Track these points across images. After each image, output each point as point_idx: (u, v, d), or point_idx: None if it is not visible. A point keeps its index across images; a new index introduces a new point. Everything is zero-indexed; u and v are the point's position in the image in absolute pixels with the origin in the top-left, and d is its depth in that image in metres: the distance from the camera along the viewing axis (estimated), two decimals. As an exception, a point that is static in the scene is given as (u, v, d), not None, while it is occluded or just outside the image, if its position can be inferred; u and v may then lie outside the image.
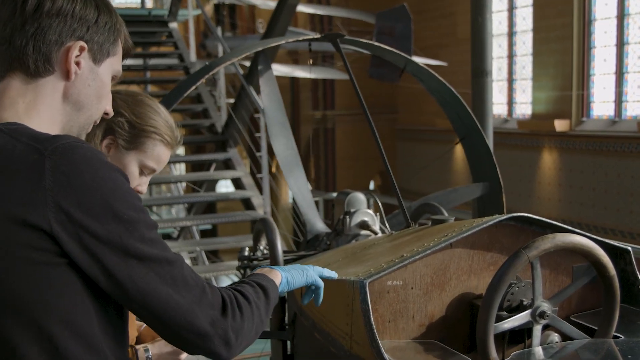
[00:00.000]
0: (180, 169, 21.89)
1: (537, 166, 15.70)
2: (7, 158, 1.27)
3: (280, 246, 2.89)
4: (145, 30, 11.23)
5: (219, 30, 10.70)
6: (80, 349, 1.29)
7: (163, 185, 13.70)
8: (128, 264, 1.29)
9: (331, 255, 2.80)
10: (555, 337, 2.26)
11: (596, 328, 2.21)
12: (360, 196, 3.18)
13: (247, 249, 3.06)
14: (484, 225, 2.20)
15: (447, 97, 3.62)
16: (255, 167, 9.18)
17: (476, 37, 4.61)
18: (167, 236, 11.47)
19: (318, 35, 3.27)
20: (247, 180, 8.61)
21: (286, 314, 2.91)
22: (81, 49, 1.42)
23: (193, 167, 18.22)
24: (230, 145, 8.96)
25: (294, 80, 22.96)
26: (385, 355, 1.96)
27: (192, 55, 10.56)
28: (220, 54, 10.47)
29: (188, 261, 10.29)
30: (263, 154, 8.36)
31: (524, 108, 16.53)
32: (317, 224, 3.47)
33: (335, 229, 3.16)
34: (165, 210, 13.07)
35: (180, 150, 22.31)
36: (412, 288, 2.21)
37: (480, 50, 4.62)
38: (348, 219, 3.09)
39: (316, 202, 8.73)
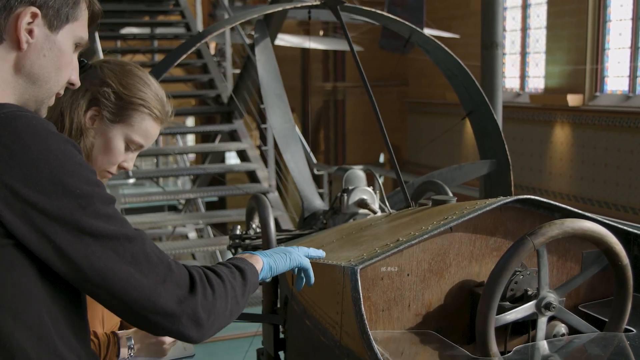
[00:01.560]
0: (191, 141, 21.82)
1: (549, 141, 15.47)
2: None
3: (273, 225, 2.74)
4: (152, -2, 11.00)
5: (226, 0, 10.44)
6: (24, 338, 1.17)
7: (171, 157, 13.58)
8: (83, 242, 1.16)
9: (325, 235, 2.65)
10: (562, 328, 2.10)
11: (606, 320, 2.05)
12: (359, 173, 3.02)
13: (238, 227, 2.91)
14: (487, 208, 2.03)
15: (454, 70, 3.43)
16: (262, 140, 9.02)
17: (487, 8, 4.41)
18: (174, 207, 11.37)
19: (317, 2, 3.09)
20: (253, 153, 8.44)
21: (278, 297, 2.77)
22: (33, 16, 1.26)
23: (203, 138, 18.12)
24: (235, 116, 8.79)
25: (305, 52, 22.71)
26: (376, 349, 1.80)
27: (199, 25, 10.35)
28: (228, 32, 10.26)
29: (193, 234, 10.18)
30: (268, 125, 8.18)
31: (537, 82, 16.26)
32: (315, 201, 3.31)
33: (333, 207, 3.00)
34: (171, 182, 12.96)
35: (190, 121, 22.23)
36: (408, 275, 2.05)
37: (490, 21, 4.42)
38: (346, 197, 2.93)
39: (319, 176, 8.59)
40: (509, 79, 16.99)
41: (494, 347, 1.85)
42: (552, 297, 1.93)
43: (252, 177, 8.26)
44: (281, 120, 3.24)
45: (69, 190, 1.16)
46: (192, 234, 10.19)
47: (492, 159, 3.58)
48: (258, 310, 2.94)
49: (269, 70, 3.20)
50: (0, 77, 1.27)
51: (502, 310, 1.95)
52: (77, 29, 1.36)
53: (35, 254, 1.16)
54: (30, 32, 1.27)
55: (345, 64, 21.60)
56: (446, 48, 3.28)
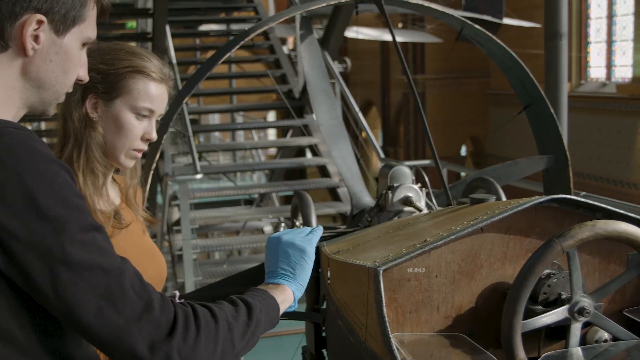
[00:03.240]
0: (272, 135, 22.01)
1: (637, 132, 14.91)
2: None
3: (315, 222, 2.72)
4: (227, -5, 11.13)
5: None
6: (8, 353, 1.15)
7: (247, 151, 13.73)
8: (52, 270, 1.12)
9: (365, 234, 2.60)
10: (605, 334, 2.00)
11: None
12: (405, 170, 2.95)
13: (283, 224, 2.90)
14: (518, 209, 1.95)
15: (508, 63, 3.33)
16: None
17: (550, -3, 4.26)
18: (250, 202, 11.48)
19: (363, -3, 3.04)
20: (324, 147, 8.43)
21: (320, 294, 2.75)
22: (39, 22, 1.26)
23: (283, 133, 18.26)
24: (307, 111, 8.80)
25: (384, 44, 22.53)
26: (396, 353, 1.76)
27: (271, 20, 10.40)
28: (298, 19, 10.28)
29: (268, 228, 10.25)
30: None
31: (624, 71, 15.67)
32: (364, 197, 3.27)
33: (378, 204, 2.95)
34: (248, 177, 13.12)
35: (272, 116, 22.42)
36: (436, 276, 1.99)
37: (554, 10, 4.25)
38: (390, 194, 2.87)
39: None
40: (594, 68, 16.46)
41: (520, 353, 1.78)
42: (586, 302, 1.84)
43: (324, 171, 8.26)
44: (328, 117, 3.21)
45: (42, 213, 1.12)
46: (268, 228, 10.27)
47: (550, 154, 3.45)
48: (303, 307, 2.92)
49: (315, 67, 3.17)
50: (7, 83, 1.27)
51: (533, 314, 1.87)
52: (85, 30, 1.36)
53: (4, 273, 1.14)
54: (35, 38, 1.27)
55: (425, 56, 21.34)
56: (499, 41, 3.18)
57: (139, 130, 1.85)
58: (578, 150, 15.26)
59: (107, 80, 1.80)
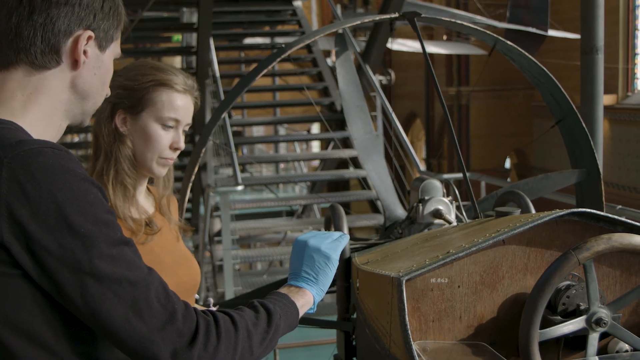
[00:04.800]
0: (316, 147, 22.11)
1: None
2: None
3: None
4: (270, 9, 11.31)
5: (338, 10, 10.60)
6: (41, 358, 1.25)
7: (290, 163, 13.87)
8: (82, 282, 1.21)
9: (394, 245, 2.68)
10: (626, 345, 2.05)
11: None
12: (435, 183, 3.03)
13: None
14: (539, 222, 2.01)
15: (540, 78, 3.38)
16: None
17: (586, 11, 4.27)
18: (291, 213, 11.60)
19: (396, 15, 3.13)
20: (364, 160, 8.51)
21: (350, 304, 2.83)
22: (89, 38, 1.38)
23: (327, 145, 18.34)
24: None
25: (429, 56, 22.53)
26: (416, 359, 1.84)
27: (315, 34, 10.54)
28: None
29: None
30: (379, 133, 8.25)
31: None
32: (397, 210, 3.35)
33: (409, 217, 3.03)
34: (290, 188, 13.26)
35: (316, 128, 22.53)
36: (458, 286, 2.06)
37: (590, 24, 4.27)
38: (421, 207, 2.95)
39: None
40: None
41: (537, 362, 1.84)
42: (603, 312, 1.90)
43: (364, 183, 8.34)
44: (362, 131, 3.30)
45: (73, 229, 1.20)
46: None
47: (582, 168, 3.49)
48: (334, 317, 3.01)
49: (350, 82, 3.26)
50: (57, 96, 1.38)
51: (551, 324, 1.93)
52: (116, 47, 1.48)
53: (39, 285, 1.22)
54: (85, 52, 1.38)
55: (469, 68, 21.28)
56: (529, 56, 3.24)
57: (167, 139, 1.96)
58: (624, 163, 15.09)
59: (133, 95, 1.92)
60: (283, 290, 1.59)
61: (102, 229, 1.23)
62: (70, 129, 1.55)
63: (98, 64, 1.42)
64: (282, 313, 1.48)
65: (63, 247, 1.20)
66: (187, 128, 2.01)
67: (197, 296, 2.32)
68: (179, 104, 1.96)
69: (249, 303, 1.48)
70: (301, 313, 1.57)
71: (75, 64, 1.38)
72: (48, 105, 1.38)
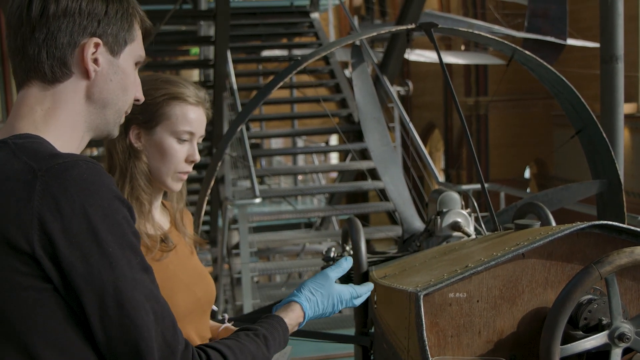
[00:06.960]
0: (335, 159, 22.08)
1: None
2: (5, 176, 1.23)
3: (364, 248, 2.77)
4: (287, 21, 11.34)
5: (355, 21, 10.61)
6: None
7: (309, 175, 13.85)
8: (101, 302, 1.21)
9: (412, 259, 2.65)
10: (651, 360, 2.00)
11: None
12: (454, 195, 2.99)
13: (333, 249, 2.96)
14: (559, 235, 1.97)
15: (559, 87, 3.34)
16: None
17: (605, 20, 4.23)
18: (309, 225, 11.59)
19: (412, 26, 3.11)
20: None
21: (368, 318, 2.80)
22: (96, 45, 1.37)
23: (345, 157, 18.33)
24: (366, 135, 8.86)
25: (447, 66, 22.49)
26: (435, 376, 1.80)
27: (332, 46, 10.54)
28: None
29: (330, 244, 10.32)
30: (397, 144, 8.23)
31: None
32: (415, 222, 3.31)
33: (428, 229, 2.99)
34: (309, 200, 13.26)
35: (334, 140, 22.53)
36: (477, 301, 2.03)
37: (609, 33, 4.23)
38: (439, 220, 2.91)
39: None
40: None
41: (559, 378, 1.80)
42: (626, 327, 1.85)
43: (383, 195, 8.31)
44: (379, 144, 3.27)
45: (102, 247, 1.21)
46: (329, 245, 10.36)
47: (603, 178, 3.44)
48: (351, 331, 2.98)
49: (366, 94, 3.24)
50: (73, 108, 1.37)
51: (573, 339, 1.89)
52: (135, 49, 1.46)
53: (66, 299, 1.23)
54: (95, 60, 1.37)
55: (488, 78, 21.21)
56: (548, 65, 3.20)
57: (182, 153, 1.94)
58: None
59: (146, 110, 1.90)
60: (279, 312, 1.64)
61: (125, 252, 1.24)
62: (95, 142, 1.55)
63: (113, 70, 1.41)
64: (277, 334, 1.54)
65: (90, 265, 1.20)
66: (200, 140, 2.01)
67: (215, 307, 2.29)
68: (193, 116, 1.95)
69: (243, 328, 1.52)
70: (291, 330, 1.63)
71: (86, 73, 1.37)
72: (67, 118, 1.37)
